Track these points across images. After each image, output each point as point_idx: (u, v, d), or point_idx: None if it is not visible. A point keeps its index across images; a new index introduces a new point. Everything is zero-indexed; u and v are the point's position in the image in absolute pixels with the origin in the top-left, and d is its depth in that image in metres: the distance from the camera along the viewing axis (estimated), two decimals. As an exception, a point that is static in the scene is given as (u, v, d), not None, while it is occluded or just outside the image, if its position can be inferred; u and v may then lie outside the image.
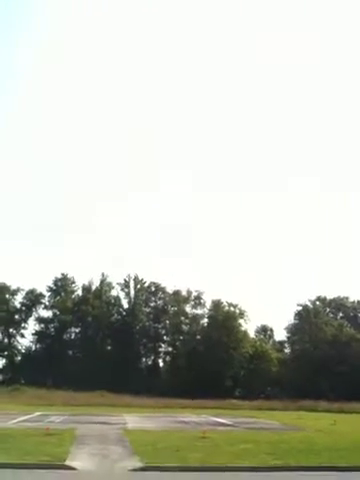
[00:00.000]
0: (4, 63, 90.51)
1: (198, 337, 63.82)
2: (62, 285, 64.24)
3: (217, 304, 64.00)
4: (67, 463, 15.01)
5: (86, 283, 64.34)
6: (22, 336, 62.85)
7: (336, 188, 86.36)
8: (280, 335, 71.30)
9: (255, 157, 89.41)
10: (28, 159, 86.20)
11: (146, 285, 65.18)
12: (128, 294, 64.39)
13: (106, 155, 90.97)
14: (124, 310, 64.86)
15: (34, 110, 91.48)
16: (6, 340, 62.32)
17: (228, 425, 29.63)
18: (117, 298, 65.11)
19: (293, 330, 67.73)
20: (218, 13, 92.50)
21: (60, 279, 64.07)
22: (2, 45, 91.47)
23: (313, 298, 69.16)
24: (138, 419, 31.97)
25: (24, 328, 62.96)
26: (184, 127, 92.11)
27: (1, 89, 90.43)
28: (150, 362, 65.46)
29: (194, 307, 65.23)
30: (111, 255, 75.31)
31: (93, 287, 64.60)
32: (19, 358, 62.56)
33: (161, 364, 66.03)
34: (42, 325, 63.11)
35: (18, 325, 62.82)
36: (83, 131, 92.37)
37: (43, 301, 63.89)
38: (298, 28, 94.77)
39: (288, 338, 69.14)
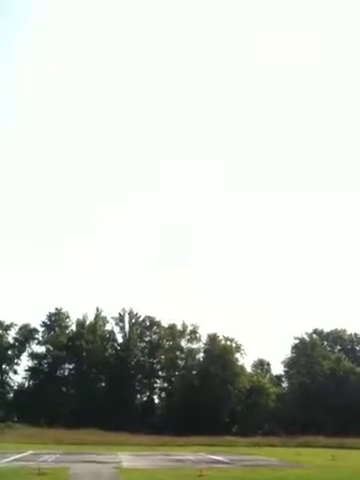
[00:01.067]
0: (3, 63, 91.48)
1: (194, 372, 62.93)
2: (56, 320, 63.59)
3: (213, 338, 63.39)
4: (59, 504, 14.53)
5: (80, 317, 63.78)
6: (15, 372, 61.88)
7: (335, 209, 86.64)
8: (277, 369, 70.59)
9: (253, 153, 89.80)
10: (28, 161, 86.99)
11: (141, 319, 64.61)
12: (123, 329, 63.77)
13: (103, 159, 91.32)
14: (119, 345, 64.06)
15: (34, 110, 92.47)
16: (-1, 376, 61.24)
17: (225, 463, 28.96)
18: (111, 332, 64.42)
19: (290, 364, 67.04)
20: (219, 11, 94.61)
21: (54, 314, 63.47)
22: (2, 44, 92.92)
23: (310, 331, 68.82)
24: (133, 457, 31.24)
25: (17, 364, 62.04)
26: (184, 126, 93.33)
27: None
28: (145, 398, 64.30)
29: (190, 341, 64.54)
30: (106, 288, 75.29)
31: (87, 322, 63.96)
32: (11, 395, 61.36)
33: (156, 400, 64.86)
34: (35, 361, 62.12)
35: (11, 361, 61.83)
36: (83, 131, 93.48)
37: (36, 336, 63.14)
38: (298, 28, 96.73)
39: (285, 372, 68.39)
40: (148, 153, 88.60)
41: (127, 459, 29.80)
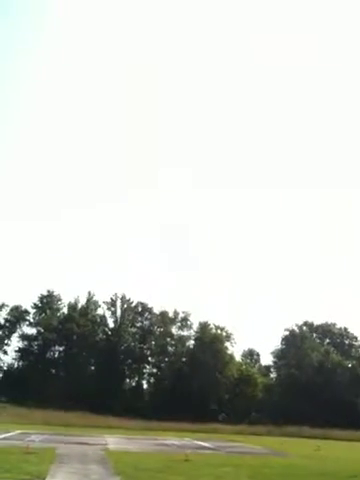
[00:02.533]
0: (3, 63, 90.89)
1: (184, 359, 63.34)
2: (47, 302, 63.66)
3: (204, 326, 63.72)
4: (46, 482, 14.69)
5: (72, 301, 63.94)
6: (5, 353, 62.04)
7: (329, 210, 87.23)
8: (266, 359, 71.17)
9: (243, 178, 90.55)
10: (27, 158, 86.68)
11: (133, 305, 64.80)
12: (114, 313, 63.92)
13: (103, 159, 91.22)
14: (110, 329, 64.26)
15: (33, 110, 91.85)
16: (-12, 356, 61.35)
17: (211, 449, 29.28)
18: (103, 317, 64.59)
19: (279, 355, 67.55)
20: (218, 12, 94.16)
21: (46, 296, 63.53)
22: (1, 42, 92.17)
23: (300, 323, 69.29)
24: (120, 440, 31.52)
25: (7, 345, 62.18)
26: (184, 126, 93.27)
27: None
28: (134, 383, 64.71)
29: (181, 328, 64.88)
30: (98, 272, 75.34)
31: (79, 305, 64.13)
32: (0, 375, 61.54)
33: (145, 386, 65.27)
34: (26, 342, 62.27)
35: (1, 341, 61.92)
36: (82, 131, 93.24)
37: (28, 318, 63.24)
38: (297, 29, 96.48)
39: (274, 363, 68.92)
40: (147, 153, 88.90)
41: (114, 442, 30.06)
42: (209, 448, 29.56)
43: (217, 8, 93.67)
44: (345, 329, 72.12)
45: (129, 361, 63.67)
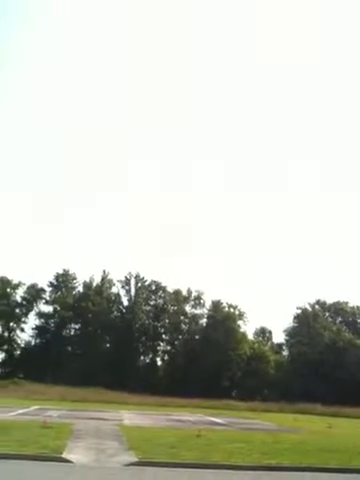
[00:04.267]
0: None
1: (197, 337, 64.06)
2: (63, 281, 64.55)
3: (217, 305, 64.26)
4: (64, 456, 15.25)
5: (87, 280, 64.78)
6: (22, 330, 63.30)
7: (337, 189, 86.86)
8: (278, 338, 71.66)
9: (255, 157, 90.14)
10: (28, 148, 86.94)
11: (147, 283, 65.46)
12: (128, 292, 64.71)
13: (104, 148, 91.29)
14: (124, 308, 65.12)
15: (31, 109, 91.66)
16: (6, 334, 62.56)
17: (223, 425, 29.86)
18: (117, 295, 65.41)
19: (291, 333, 67.95)
20: (219, 11, 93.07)
21: (61, 275, 64.39)
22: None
23: (313, 302, 69.51)
24: (134, 416, 32.21)
25: (24, 322, 63.40)
26: (183, 124, 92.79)
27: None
28: (148, 360, 65.69)
29: (194, 307, 65.53)
30: (113, 251, 76.11)
31: (94, 284, 64.92)
32: (18, 352, 62.86)
33: (159, 363, 66.29)
34: (42, 320, 63.42)
35: (18, 319, 63.11)
36: (83, 125, 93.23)
37: (44, 296, 64.30)
38: (298, 28, 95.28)
39: (286, 341, 69.38)
40: (147, 153, 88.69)
41: (129, 417, 30.78)
42: (222, 424, 30.14)
43: (219, 6, 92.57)
44: (358, 308, 72.18)
45: (143, 338, 64.59)
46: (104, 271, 64.95)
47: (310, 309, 68.60)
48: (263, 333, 71.26)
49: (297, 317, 67.49)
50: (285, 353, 69.76)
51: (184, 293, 65.23)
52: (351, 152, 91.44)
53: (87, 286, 64.56)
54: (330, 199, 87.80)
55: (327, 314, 71.90)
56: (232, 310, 64.24)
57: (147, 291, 65.68)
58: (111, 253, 74.96)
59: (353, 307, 72.28)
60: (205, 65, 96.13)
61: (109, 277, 65.17)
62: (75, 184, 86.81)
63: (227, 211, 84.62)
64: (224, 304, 64.41)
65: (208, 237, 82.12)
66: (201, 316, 65.59)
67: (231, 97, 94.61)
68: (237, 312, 64.20)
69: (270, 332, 71.34)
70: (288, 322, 67.93)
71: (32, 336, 63.09)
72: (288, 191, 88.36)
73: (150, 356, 65.86)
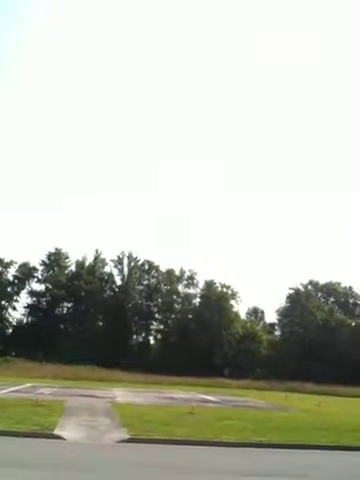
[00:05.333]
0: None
1: (190, 316, 64.31)
2: (55, 259, 64.33)
3: (210, 284, 64.39)
4: (56, 433, 15.25)
5: (80, 259, 64.58)
6: (14, 309, 63.29)
7: (332, 183, 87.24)
8: (271, 317, 72.18)
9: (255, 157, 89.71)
10: (27, 129, 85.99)
11: (140, 263, 65.39)
12: (121, 271, 64.61)
13: (105, 142, 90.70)
14: (117, 287, 65.12)
15: (30, 109, 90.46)
16: (-2, 312, 62.54)
17: (215, 402, 30.07)
18: (110, 275, 65.34)
19: (284, 313, 68.39)
20: (219, 11, 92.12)
21: (53, 253, 64.15)
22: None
23: (305, 282, 69.83)
24: (127, 394, 32.36)
25: (16, 301, 63.33)
26: (183, 123, 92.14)
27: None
28: (141, 339, 65.99)
29: (187, 286, 65.64)
30: (106, 231, 75.99)
31: (86, 263, 64.79)
32: (10, 330, 62.86)
33: (152, 341, 66.62)
34: (34, 299, 63.35)
35: (10, 298, 63.02)
36: (82, 125, 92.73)
37: (36, 275, 64.10)
38: (298, 28, 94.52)
39: (279, 321, 69.87)
40: (146, 153, 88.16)
41: (121, 395, 30.91)
42: (214, 402, 30.36)
43: (219, 6, 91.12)
44: (350, 288, 72.70)
45: (136, 318, 64.75)
46: (97, 250, 64.90)
47: (303, 289, 68.95)
48: (255, 313, 71.69)
49: (290, 297, 67.84)
50: (277, 333, 70.30)
51: (177, 273, 65.31)
52: (351, 152, 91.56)
53: (79, 265, 64.42)
54: (323, 183, 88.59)
55: (319, 294, 72.35)
56: (225, 290, 64.44)
57: (140, 271, 65.64)
58: (104, 233, 74.97)
59: (345, 287, 72.76)
60: (205, 65, 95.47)
61: (102, 256, 65.12)
62: (73, 174, 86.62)
63: (222, 195, 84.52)
64: (217, 284, 64.59)
65: (202, 220, 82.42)
66: (194, 296, 65.81)
67: (231, 97, 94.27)
68: (230, 292, 64.42)
69: (262, 312, 71.88)
70: (280, 302, 68.41)
71: (24, 314, 63.22)
72: (282, 168, 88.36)
73: (143, 335, 66.15)
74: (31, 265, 63.74)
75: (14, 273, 63.29)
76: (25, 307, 62.92)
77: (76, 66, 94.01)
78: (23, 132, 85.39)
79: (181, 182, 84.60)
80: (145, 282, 65.96)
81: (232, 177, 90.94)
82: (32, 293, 63.37)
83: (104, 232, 75.60)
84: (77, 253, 65.44)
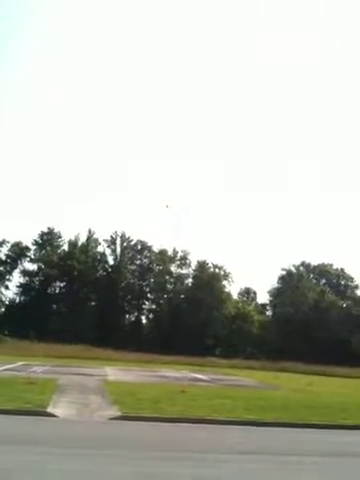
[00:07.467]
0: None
1: (182, 296, 64.57)
2: (48, 239, 64.10)
3: (202, 265, 64.53)
4: (48, 410, 15.30)
5: (72, 238, 64.37)
6: (6, 288, 63.18)
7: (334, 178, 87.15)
8: (263, 298, 72.57)
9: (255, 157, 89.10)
10: (28, 115, 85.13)
11: (132, 243, 65.32)
12: (114, 251, 64.60)
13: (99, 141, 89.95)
14: (110, 267, 65.10)
15: (31, 108, 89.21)
16: (-10, 291, 62.40)
17: (206, 381, 30.31)
18: (103, 255, 65.28)
19: (276, 294, 68.74)
20: (219, 11, 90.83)
21: (46, 233, 63.88)
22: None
23: (297, 263, 70.10)
24: (119, 372, 32.54)
25: (8, 280, 63.22)
26: (183, 123, 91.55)
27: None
28: (133, 318, 66.27)
29: (179, 267, 65.82)
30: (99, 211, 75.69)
31: (79, 243, 64.59)
32: (3, 309, 62.87)
33: (144, 321, 66.96)
34: (27, 278, 63.24)
35: (3, 277, 62.84)
36: (82, 125, 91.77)
37: (29, 254, 63.91)
38: (298, 28, 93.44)
39: (270, 301, 70.24)
40: (146, 153, 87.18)
41: (113, 373, 31.07)
42: (205, 380, 30.59)
43: (219, 6, 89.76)
44: (342, 270, 73.06)
45: (129, 297, 64.91)
46: (89, 230, 64.67)
47: (295, 270, 69.24)
48: (248, 293, 72.01)
49: (282, 278, 68.15)
50: (269, 313, 70.78)
51: (170, 253, 65.35)
52: (351, 152, 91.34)
53: (72, 245, 64.25)
54: (317, 158, 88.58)
55: (311, 276, 72.68)
56: (217, 270, 64.63)
57: (133, 251, 65.62)
58: (97, 213, 74.62)
59: (337, 269, 73.10)
60: (205, 65, 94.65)
61: (94, 236, 64.95)
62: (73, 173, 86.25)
63: (212, 176, 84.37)
64: (209, 264, 64.78)
65: (194, 200, 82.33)
66: (186, 276, 66.04)
67: (231, 97, 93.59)
68: (222, 272, 64.65)
69: (255, 293, 72.21)
70: (272, 283, 68.70)
71: (17, 294, 63.20)
72: (274, 149, 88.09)
73: (135, 314, 66.43)
74: (24, 244, 63.58)
75: (6, 252, 63.16)
76: (18, 286, 63.00)
77: (76, 66, 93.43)
78: (22, 128, 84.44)
79: (181, 181, 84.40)
80: (138, 262, 66.00)
81: (232, 177, 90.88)
82: (25, 272, 63.24)
83: (97, 212, 75.16)
84: (70, 233, 65.19)
